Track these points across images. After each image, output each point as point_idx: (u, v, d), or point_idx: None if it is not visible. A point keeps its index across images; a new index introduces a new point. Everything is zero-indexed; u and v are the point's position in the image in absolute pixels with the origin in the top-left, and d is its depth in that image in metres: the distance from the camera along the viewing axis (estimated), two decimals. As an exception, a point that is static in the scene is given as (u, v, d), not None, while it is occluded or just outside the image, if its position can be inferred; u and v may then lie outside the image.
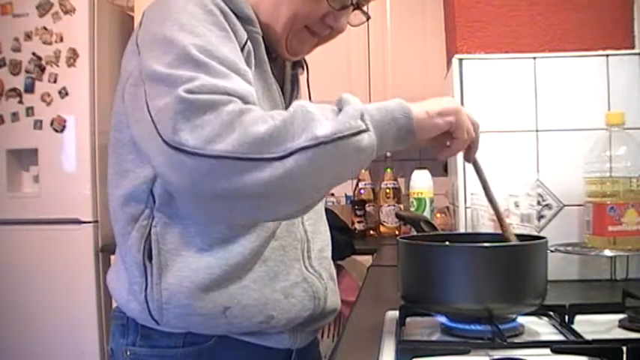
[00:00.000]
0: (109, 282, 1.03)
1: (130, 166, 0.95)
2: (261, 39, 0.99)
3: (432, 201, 1.88)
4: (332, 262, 1.13)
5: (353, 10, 1.03)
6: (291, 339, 1.02)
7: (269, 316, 0.96)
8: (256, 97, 0.89)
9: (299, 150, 0.74)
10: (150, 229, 0.93)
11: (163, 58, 0.82)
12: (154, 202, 0.93)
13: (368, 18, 1.05)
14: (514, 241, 0.93)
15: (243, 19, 0.96)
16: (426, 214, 1.82)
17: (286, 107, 1.06)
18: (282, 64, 1.12)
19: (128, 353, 0.98)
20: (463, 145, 0.91)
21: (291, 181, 0.76)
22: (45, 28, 2.79)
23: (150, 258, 0.92)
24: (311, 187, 0.81)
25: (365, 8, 1.05)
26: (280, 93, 1.04)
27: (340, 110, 0.80)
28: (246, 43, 0.94)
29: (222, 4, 0.92)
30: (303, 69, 1.17)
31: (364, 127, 0.78)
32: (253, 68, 0.96)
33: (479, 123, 0.93)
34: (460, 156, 1.38)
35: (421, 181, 1.88)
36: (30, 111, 2.80)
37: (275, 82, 1.03)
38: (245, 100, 0.80)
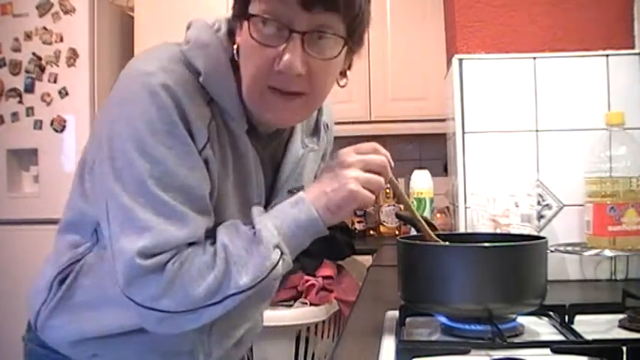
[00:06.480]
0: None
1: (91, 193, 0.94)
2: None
3: (432, 201, 1.87)
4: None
5: (302, 42, 0.81)
6: None
7: None
8: (221, 169, 0.90)
9: (229, 296, 0.85)
10: (81, 259, 0.96)
11: (124, 179, 0.82)
12: (97, 240, 0.96)
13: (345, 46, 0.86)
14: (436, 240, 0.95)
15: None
16: (426, 214, 1.82)
17: (270, 174, 1.00)
18: None
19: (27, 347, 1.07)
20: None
21: (224, 313, 0.88)
22: (45, 28, 2.79)
23: (61, 282, 0.96)
24: (239, 314, 0.97)
25: (328, 33, 0.82)
26: (257, 157, 0.95)
27: (256, 235, 0.85)
28: (210, 122, 0.87)
29: (184, 99, 0.83)
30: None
31: (279, 255, 0.85)
32: (227, 138, 0.91)
33: (386, 156, 0.89)
34: (460, 156, 1.38)
35: (421, 181, 1.88)
36: (30, 111, 2.80)
37: (252, 149, 0.93)
38: (190, 244, 0.86)
